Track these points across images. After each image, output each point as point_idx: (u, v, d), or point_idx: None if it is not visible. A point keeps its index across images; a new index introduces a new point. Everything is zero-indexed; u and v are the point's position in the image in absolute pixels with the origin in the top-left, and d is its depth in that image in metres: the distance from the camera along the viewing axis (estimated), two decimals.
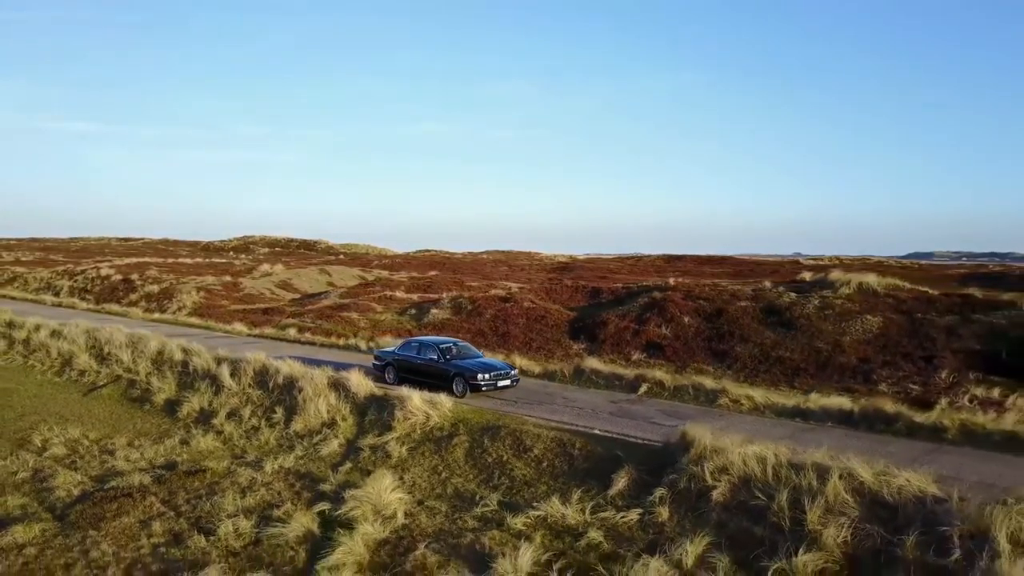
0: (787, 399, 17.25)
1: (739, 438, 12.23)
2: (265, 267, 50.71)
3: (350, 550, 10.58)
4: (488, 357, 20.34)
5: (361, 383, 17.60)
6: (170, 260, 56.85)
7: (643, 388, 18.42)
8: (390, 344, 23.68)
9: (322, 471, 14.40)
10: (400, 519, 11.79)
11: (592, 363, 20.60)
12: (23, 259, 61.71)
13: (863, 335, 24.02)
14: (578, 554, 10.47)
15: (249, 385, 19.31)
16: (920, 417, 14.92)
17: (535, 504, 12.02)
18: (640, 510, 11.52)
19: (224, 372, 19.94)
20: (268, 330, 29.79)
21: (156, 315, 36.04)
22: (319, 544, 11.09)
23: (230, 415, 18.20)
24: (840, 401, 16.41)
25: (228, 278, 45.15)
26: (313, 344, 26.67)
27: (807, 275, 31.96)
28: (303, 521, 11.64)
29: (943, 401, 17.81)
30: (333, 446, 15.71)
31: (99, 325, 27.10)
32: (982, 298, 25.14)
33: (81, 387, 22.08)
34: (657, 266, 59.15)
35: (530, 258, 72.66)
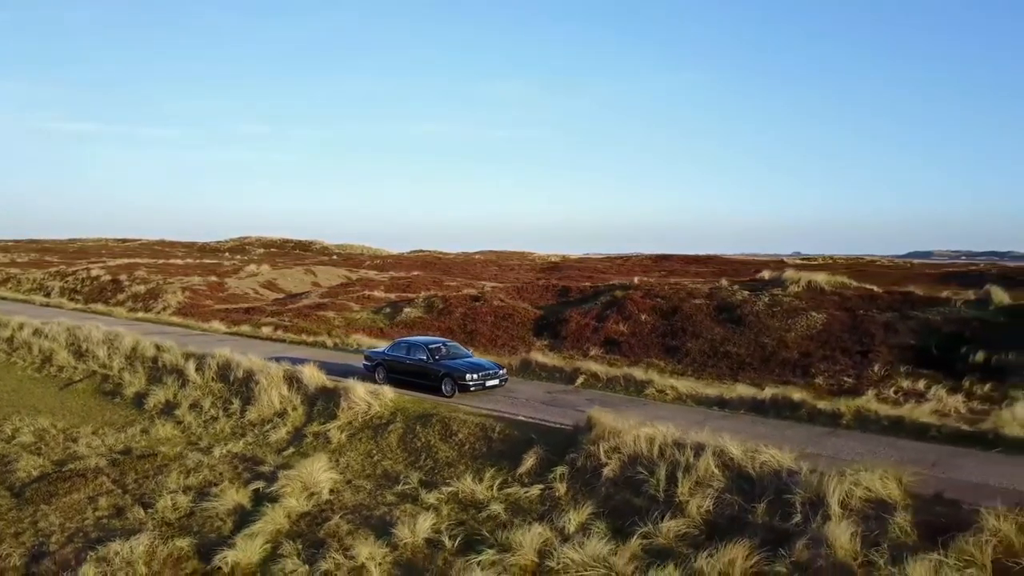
0: (711, 389, 18.37)
1: (635, 421, 13.37)
2: (251, 267, 51.95)
3: (271, 519, 11.80)
4: (477, 357, 20.42)
5: (313, 375, 18.75)
6: (161, 261, 58.11)
7: (579, 380, 19.56)
8: (371, 344, 24.64)
9: (266, 455, 15.60)
10: (325, 495, 13.00)
11: (537, 357, 21.75)
12: (18, 260, 62.97)
13: (807, 331, 25.10)
14: (477, 523, 11.64)
15: (212, 379, 20.49)
16: (822, 404, 16.05)
17: (449, 482, 13.20)
18: (542, 486, 12.69)
19: (190, 367, 21.14)
20: (245, 328, 30.99)
21: (140, 314, 37.25)
22: (248, 516, 12.28)
23: (192, 406, 19.39)
24: (755, 391, 17.53)
25: (214, 278, 46.36)
26: (284, 342, 27.85)
27: (766, 274, 33.02)
28: (236, 496, 12.85)
29: (870, 392, 18.87)
30: (281, 433, 16.91)
31: (81, 324, 28.27)
32: (922, 295, 26.24)
33: (59, 382, 23.28)
34: (644, 266, 59.96)
35: (522, 258, 73.64)
